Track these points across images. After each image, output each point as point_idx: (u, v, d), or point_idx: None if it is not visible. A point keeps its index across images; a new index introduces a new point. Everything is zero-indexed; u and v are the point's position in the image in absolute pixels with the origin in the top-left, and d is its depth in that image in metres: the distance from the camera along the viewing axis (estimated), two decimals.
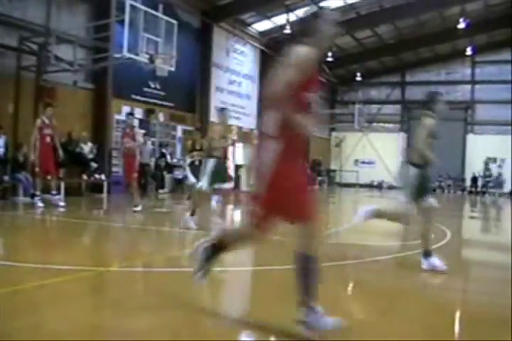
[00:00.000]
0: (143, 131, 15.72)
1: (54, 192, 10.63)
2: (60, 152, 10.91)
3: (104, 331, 3.25)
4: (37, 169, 10.48)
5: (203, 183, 7.92)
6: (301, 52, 3.08)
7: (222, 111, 8.54)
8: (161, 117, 17.67)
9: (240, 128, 22.24)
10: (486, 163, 28.71)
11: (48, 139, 10.47)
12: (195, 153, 10.75)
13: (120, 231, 8.42)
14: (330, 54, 24.93)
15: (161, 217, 10.59)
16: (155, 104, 17.15)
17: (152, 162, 16.33)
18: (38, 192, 10.55)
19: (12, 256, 5.50)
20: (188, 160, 10.90)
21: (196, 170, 10.82)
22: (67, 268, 4.84)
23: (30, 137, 10.43)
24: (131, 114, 11.53)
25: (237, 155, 21.77)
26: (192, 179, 10.89)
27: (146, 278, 5.00)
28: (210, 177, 7.92)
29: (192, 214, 8.01)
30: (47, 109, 10.58)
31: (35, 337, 2.98)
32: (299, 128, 2.99)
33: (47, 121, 10.43)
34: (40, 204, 10.30)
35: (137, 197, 10.30)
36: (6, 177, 11.29)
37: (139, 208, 10.08)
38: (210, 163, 8.00)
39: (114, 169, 14.80)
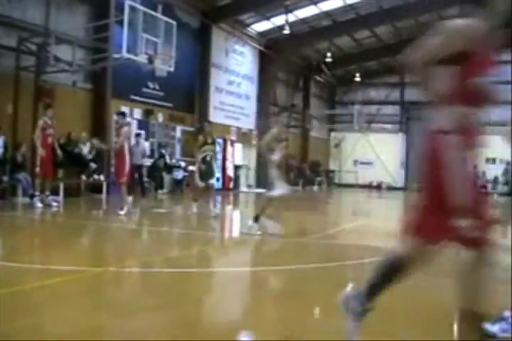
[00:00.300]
0: (137, 132, 15.64)
1: (47, 192, 10.70)
2: (59, 151, 11.02)
3: (104, 331, 3.24)
4: (37, 169, 10.52)
5: (282, 190, 7.64)
6: (461, 22, 2.58)
7: (279, 115, 8.25)
8: (160, 118, 17.66)
9: (239, 128, 22.26)
10: (486, 164, 28.68)
11: (50, 139, 10.63)
12: (207, 147, 10.20)
13: (119, 231, 8.42)
14: (329, 54, 24.99)
15: (160, 218, 10.59)
16: (154, 104, 17.13)
17: (146, 162, 16.12)
18: (37, 193, 10.57)
19: (11, 257, 5.50)
20: (200, 156, 10.21)
21: (209, 166, 10.26)
22: (66, 269, 4.83)
23: (34, 137, 10.49)
24: (121, 113, 10.83)
25: (236, 155, 21.81)
26: (198, 182, 10.36)
27: (145, 279, 4.99)
28: (282, 181, 7.73)
29: (256, 220, 7.75)
30: (48, 110, 10.66)
31: (34, 338, 2.97)
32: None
33: (49, 122, 10.54)
34: (39, 204, 10.32)
35: (125, 201, 9.81)
36: (5, 178, 11.28)
37: (123, 212, 9.64)
38: (273, 169, 7.75)
39: (113, 169, 14.76)
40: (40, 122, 10.51)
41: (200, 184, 10.33)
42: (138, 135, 15.38)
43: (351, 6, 21.56)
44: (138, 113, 16.49)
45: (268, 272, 5.37)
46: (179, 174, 17.38)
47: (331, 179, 31.60)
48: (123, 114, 10.65)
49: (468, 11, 2.65)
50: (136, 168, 14.10)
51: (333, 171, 32.36)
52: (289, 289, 4.69)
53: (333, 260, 6.26)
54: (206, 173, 10.28)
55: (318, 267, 5.72)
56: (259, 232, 7.66)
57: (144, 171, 15.71)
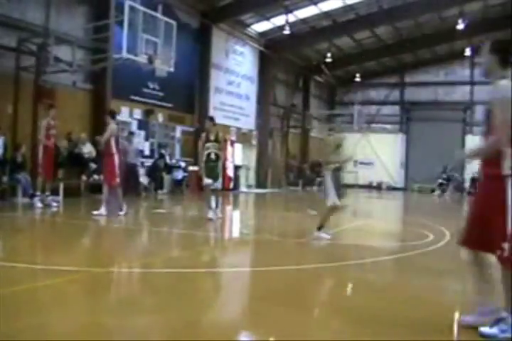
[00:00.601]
0: (131, 131, 15.58)
1: (48, 193, 10.72)
2: (62, 149, 11.12)
3: (106, 330, 3.25)
4: (40, 169, 10.54)
5: (334, 199, 7.54)
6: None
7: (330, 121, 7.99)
8: (160, 118, 17.65)
9: (238, 129, 22.26)
10: None
11: (53, 140, 10.69)
12: (209, 144, 9.55)
13: (119, 232, 8.42)
14: (329, 54, 24.98)
15: (159, 218, 10.58)
16: (154, 104, 17.11)
17: (144, 162, 16.10)
18: (38, 193, 10.58)
19: (12, 257, 5.49)
20: (204, 154, 9.52)
21: (213, 166, 9.61)
22: (67, 269, 4.83)
23: (40, 138, 10.56)
24: (110, 112, 10.33)
25: (236, 156, 21.80)
26: (208, 181, 9.57)
27: (145, 279, 4.99)
28: (337, 190, 7.63)
29: (319, 229, 7.58)
30: (51, 110, 10.70)
31: (38, 337, 2.98)
32: None
33: (52, 122, 10.58)
34: (39, 204, 10.32)
35: (122, 202, 9.69)
36: (5, 178, 11.27)
37: (122, 212, 9.56)
38: (329, 178, 7.66)
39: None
40: (44, 122, 10.57)
41: (206, 181, 9.63)
42: (131, 133, 15.31)
43: (351, 7, 21.53)
44: (138, 113, 16.48)
45: (269, 272, 5.36)
46: (179, 174, 17.37)
47: None
48: (112, 114, 10.17)
49: None
50: (131, 167, 14.04)
51: None
52: (290, 289, 4.69)
53: (335, 260, 6.26)
54: (210, 174, 9.61)
55: (319, 267, 5.72)
56: (328, 236, 7.55)
57: (141, 170, 15.65)
